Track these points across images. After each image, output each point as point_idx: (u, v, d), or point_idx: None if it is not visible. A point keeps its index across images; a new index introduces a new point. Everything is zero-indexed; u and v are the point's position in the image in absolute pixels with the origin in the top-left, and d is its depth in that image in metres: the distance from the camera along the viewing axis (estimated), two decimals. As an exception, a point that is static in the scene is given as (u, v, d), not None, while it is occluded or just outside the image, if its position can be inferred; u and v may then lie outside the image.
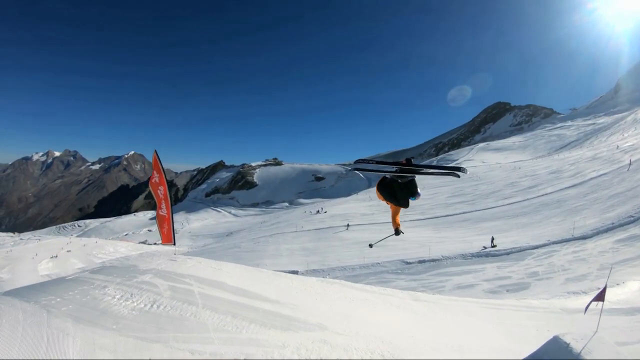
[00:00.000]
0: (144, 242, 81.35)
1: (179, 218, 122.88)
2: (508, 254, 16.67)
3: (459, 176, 3.80)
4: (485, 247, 17.57)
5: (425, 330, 3.92)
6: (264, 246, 24.83)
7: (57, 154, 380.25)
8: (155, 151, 6.15)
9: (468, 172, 3.81)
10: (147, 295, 3.28)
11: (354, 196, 49.96)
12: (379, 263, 16.16)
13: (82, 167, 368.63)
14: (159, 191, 6.16)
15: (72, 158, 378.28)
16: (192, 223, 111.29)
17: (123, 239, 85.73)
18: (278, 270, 17.87)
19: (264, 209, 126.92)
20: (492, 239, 18.11)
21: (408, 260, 16.01)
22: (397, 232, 4.33)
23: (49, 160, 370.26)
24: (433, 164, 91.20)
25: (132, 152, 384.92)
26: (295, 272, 16.79)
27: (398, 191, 3.95)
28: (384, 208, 33.46)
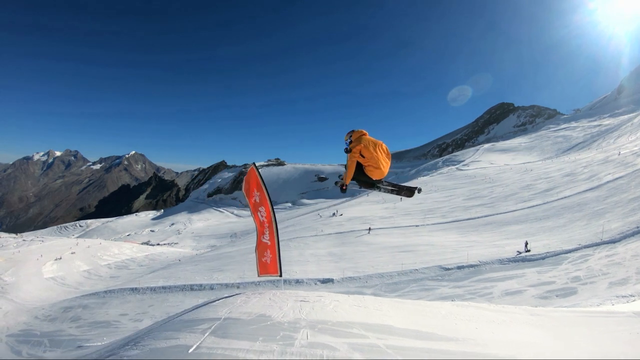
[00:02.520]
0: (146, 243, 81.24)
1: (182, 218, 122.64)
2: (543, 258, 16.54)
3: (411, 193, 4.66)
4: (519, 252, 17.43)
5: (580, 352, 3.74)
6: (286, 251, 24.58)
7: (57, 153, 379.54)
8: (254, 164, 5.52)
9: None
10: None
11: (365, 197, 49.80)
12: (416, 270, 15.92)
13: (83, 167, 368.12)
14: (259, 213, 5.33)
15: (72, 158, 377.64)
16: (195, 223, 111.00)
17: (126, 240, 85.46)
18: (311, 279, 17.74)
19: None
20: (526, 243, 17.97)
21: (446, 267, 15.80)
22: (344, 188, 4.42)
23: (50, 160, 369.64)
24: (438, 164, 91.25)
25: (133, 152, 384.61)
26: (330, 281, 16.61)
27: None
28: (403, 211, 33.15)
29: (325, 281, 16.33)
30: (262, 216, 5.22)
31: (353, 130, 4.37)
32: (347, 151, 4.29)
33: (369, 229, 26.18)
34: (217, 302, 4.14)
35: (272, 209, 5.15)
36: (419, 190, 4.77)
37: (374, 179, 4.31)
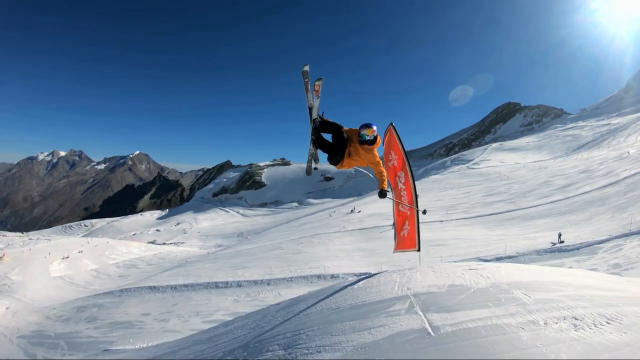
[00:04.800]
0: (152, 242, 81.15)
1: (187, 218, 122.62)
2: (578, 248, 16.59)
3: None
4: (554, 243, 17.49)
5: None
6: (311, 247, 24.20)
7: (62, 153, 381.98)
8: (392, 124, 4.83)
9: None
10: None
11: (376, 196, 49.75)
12: (455, 262, 15.90)
13: (87, 167, 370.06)
14: (397, 179, 4.65)
15: (77, 158, 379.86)
16: (201, 223, 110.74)
17: (132, 239, 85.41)
18: (347, 273, 17.62)
19: (272, 209, 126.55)
20: (560, 235, 18.05)
21: (485, 258, 15.72)
22: (383, 193, 4.18)
23: (54, 160, 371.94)
24: (446, 163, 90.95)
25: (137, 152, 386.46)
26: (369, 275, 16.60)
27: (329, 145, 4.23)
28: (425, 207, 33.56)
29: (363, 275, 16.22)
30: (400, 182, 4.72)
31: (373, 128, 4.01)
32: (372, 142, 4.01)
33: (393, 224, 26.19)
34: (359, 285, 3.78)
35: (412, 174, 4.59)
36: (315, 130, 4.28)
37: (331, 156, 4.24)
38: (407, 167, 4.57)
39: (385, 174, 4.23)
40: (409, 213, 4.68)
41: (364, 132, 3.98)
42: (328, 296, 3.77)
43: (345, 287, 3.85)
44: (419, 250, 4.68)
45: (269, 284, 18.71)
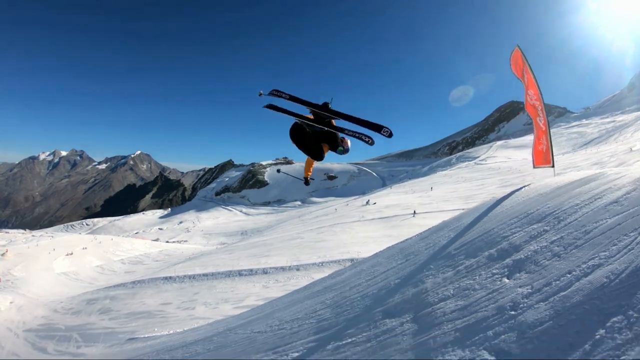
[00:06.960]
0: (155, 241, 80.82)
1: (190, 217, 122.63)
2: (606, 232, 16.77)
3: (382, 130, 3.36)
4: (585, 228, 17.69)
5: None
6: (333, 236, 23.94)
7: (63, 153, 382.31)
8: (518, 45, 4.95)
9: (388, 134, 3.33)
10: None
11: (388, 190, 49.89)
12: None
13: (89, 167, 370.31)
14: (528, 96, 4.99)
15: (78, 157, 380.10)
16: (204, 221, 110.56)
17: (136, 237, 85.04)
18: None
19: (275, 208, 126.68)
20: (589, 219, 18.24)
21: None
22: (307, 182, 4.55)
23: (56, 160, 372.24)
24: (452, 161, 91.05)
25: (139, 151, 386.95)
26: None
27: (309, 141, 3.94)
28: (439, 198, 32.90)
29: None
30: (531, 99, 4.97)
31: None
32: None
33: (414, 212, 26.23)
34: (518, 194, 4.16)
35: (541, 92, 4.79)
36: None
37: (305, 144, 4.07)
38: (536, 85, 4.85)
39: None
40: (544, 128, 4.92)
41: (342, 155, 4.13)
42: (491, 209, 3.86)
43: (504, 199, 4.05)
44: (553, 166, 5.12)
45: (298, 269, 17.92)
